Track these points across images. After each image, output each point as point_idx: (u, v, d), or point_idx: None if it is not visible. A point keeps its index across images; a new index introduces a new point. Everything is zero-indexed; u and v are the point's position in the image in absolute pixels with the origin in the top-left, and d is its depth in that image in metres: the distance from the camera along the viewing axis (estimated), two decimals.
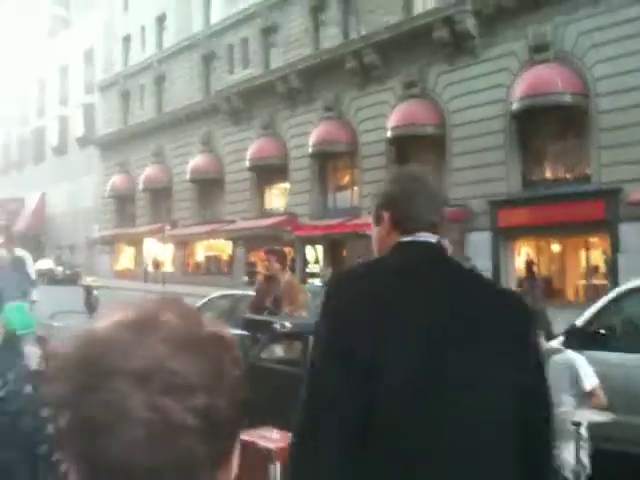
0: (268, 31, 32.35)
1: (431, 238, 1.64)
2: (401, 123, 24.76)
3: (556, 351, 4.13)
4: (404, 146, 25.83)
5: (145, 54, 40.84)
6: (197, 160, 35.08)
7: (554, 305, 17.24)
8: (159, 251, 37.45)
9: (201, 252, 37.62)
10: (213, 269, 34.54)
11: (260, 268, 6.66)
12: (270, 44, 32.57)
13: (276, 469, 3.05)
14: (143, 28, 41.29)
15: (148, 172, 38.99)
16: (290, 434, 3.25)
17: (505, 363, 1.46)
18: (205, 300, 8.93)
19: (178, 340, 0.68)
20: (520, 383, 1.44)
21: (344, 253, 28.46)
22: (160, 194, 39.18)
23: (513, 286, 22.75)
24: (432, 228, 1.69)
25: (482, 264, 22.57)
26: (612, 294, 5.49)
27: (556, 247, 23.64)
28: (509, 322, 1.55)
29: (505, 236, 22.80)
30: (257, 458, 3.10)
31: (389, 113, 25.42)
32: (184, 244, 37.29)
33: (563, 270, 23.16)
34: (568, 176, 22.24)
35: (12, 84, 56.51)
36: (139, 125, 40.43)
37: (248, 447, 3.23)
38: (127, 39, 43.10)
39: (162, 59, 39.27)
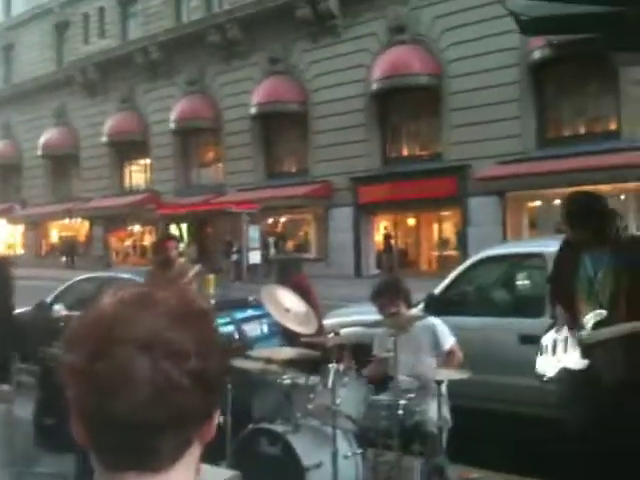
0: (127, 1, 31.04)
1: None
2: (265, 100, 24.83)
3: (419, 317, 4.48)
4: (268, 123, 25.95)
5: None
6: (49, 134, 33.14)
7: (409, 275, 18.22)
8: (7, 233, 35.14)
9: (55, 233, 35.74)
10: (68, 251, 32.91)
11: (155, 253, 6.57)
12: (129, 14, 31.29)
13: None
14: None
15: None
16: None
17: None
18: (68, 283, 8.55)
19: (174, 314, 0.81)
20: None
21: (209, 231, 28.25)
22: (9, 171, 36.69)
23: (372, 258, 23.82)
24: None
25: (344, 238, 23.43)
26: (466, 264, 6.00)
27: (411, 221, 24.91)
28: None
29: (365, 211, 23.68)
30: None
31: (253, 89, 25.38)
32: (37, 225, 35.22)
33: (418, 242, 24.50)
34: (423, 154, 23.43)
35: None
36: None
37: None
38: None
39: (10, 27, 36.55)
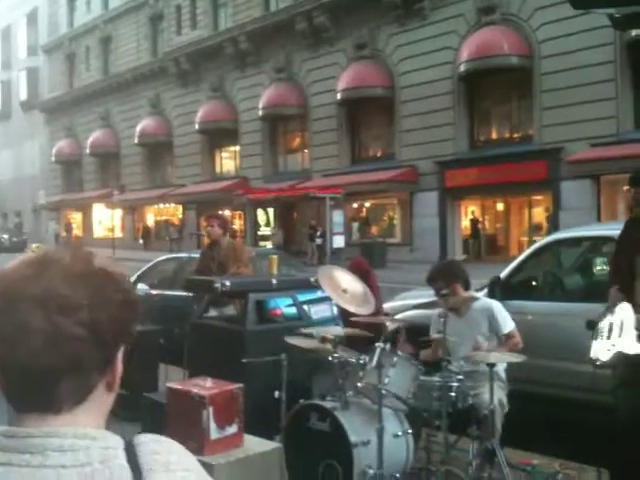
0: None
1: None
2: (351, 85, 24.84)
3: (473, 299, 4.43)
4: (354, 108, 25.94)
5: (91, 15, 39.63)
6: (145, 123, 34.51)
7: (497, 261, 17.87)
8: (108, 216, 37.00)
9: (151, 217, 37.29)
10: (163, 234, 34.30)
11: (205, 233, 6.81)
12: (219, 5, 32.01)
13: (209, 413, 3.27)
14: None
15: (95, 136, 38.20)
16: (221, 382, 3.49)
17: None
18: (150, 264, 8.98)
19: (68, 273, 0.91)
20: None
21: (295, 215, 28.66)
22: (108, 158, 38.51)
23: (459, 243, 23.44)
24: None
25: (429, 223, 23.18)
26: (533, 247, 5.84)
27: (500, 206, 24.29)
28: None
29: (452, 196, 23.31)
30: (192, 404, 3.31)
31: (339, 75, 25.44)
32: (133, 209, 36.87)
33: (507, 228, 23.87)
34: (512, 136, 22.77)
35: None
36: (85, 88, 39.44)
37: (184, 394, 3.44)
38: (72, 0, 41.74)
39: (108, 20, 38.20)
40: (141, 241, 34.40)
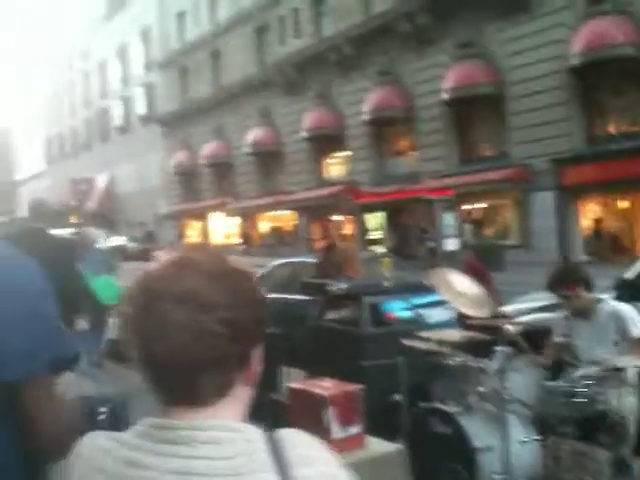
0: (319, 0, 32.21)
1: None
2: (457, 84, 24.42)
3: (597, 301, 4.24)
4: (461, 108, 25.46)
5: (200, 29, 41.26)
6: (255, 133, 35.48)
7: (623, 262, 16.92)
8: (224, 224, 38.34)
9: (264, 224, 38.27)
10: (276, 240, 35.11)
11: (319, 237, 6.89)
12: (321, 13, 32.40)
13: (328, 413, 3.33)
14: (196, 3, 41.65)
15: (209, 147, 39.72)
16: (340, 383, 3.53)
17: None
18: (267, 269, 9.26)
19: (207, 272, 0.96)
20: None
21: (404, 219, 28.47)
22: (222, 168, 39.88)
23: (579, 244, 22.42)
24: None
25: (546, 223, 22.33)
26: None
27: (624, 203, 22.99)
28: None
29: (569, 194, 22.33)
30: (313, 404, 3.39)
31: (444, 75, 25.08)
32: (248, 216, 37.99)
33: (632, 227, 22.55)
34: (634, 130, 21.52)
35: (73, 67, 58.29)
36: (198, 101, 41.08)
37: (305, 394, 3.52)
38: (181, 15, 43.55)
39: (217, 34, 39.59)
40: (254, 246, 35.36)
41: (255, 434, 0.96)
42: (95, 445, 1.01)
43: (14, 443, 1.37)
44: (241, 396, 1.00)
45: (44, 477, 1.44)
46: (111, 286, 8.19)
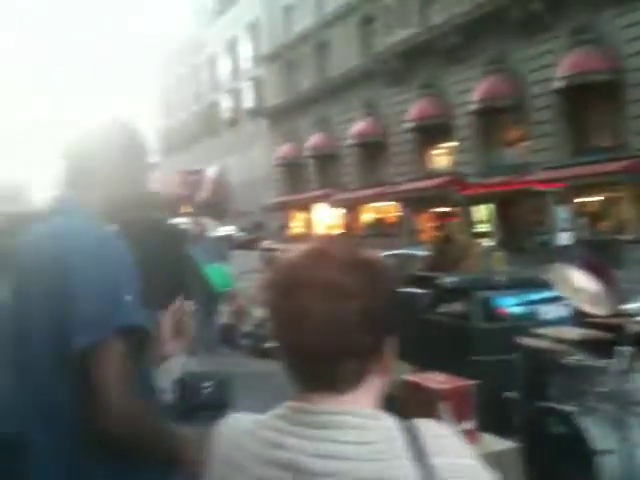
0: None
1: None
2: (572, 72, 23.36)
3: None
4: (575, 96, 24.33)
5: (306, 22, 41.67)
6: (360, 124, 35.49)
7: None
8: (329, 215, 38.64)
9: (368, 215, 38.27)
10: (380, 231, 35.02)
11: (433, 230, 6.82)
12: (428, 1, 31.85)
13: (442, 408, 3.32)
14: None
15: (314, 139, 40.14)
16: (454, 378, 3.50)
17: None
18: None
19: (343, 263, 0.98)
20: None
21: (514, 211, 27.61)
22: (327, 160, 40.19)
23: None
24: None
25: None
26: None
27: None
28: None
29: None
30: (426, 397, 3.38)
31: (557, 62, 24.05)
32: (352, 208, 38.12)
33: None
34: None
35: (184, 62, 60.49)
36: (303, 94, 41.56)
37: (418, 387, 3.52)
38: (288, 9, 44.14)
39: (322, 26, 39.86)
40: (357, 238, 35.46)
41: (393, 422, 0.98)
42: (237, 425, 1.06)
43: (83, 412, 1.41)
44: (375, 385, 1.01)
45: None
46: (223, 274, 8.48)
